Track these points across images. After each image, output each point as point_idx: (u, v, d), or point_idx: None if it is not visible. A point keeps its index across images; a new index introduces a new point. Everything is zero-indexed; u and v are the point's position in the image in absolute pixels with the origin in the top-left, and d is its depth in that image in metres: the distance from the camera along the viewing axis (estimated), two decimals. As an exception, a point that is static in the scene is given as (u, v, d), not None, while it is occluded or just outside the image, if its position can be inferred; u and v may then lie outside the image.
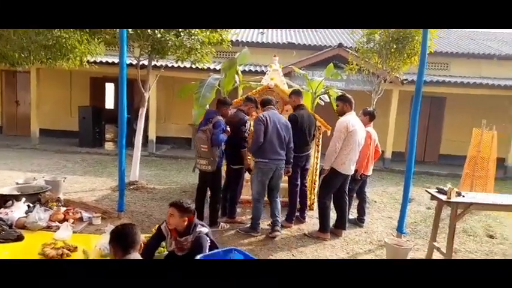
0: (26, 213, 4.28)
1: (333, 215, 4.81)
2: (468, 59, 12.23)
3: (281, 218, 4.77)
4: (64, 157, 9.17)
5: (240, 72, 7.09)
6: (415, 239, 4.89)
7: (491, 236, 5.14)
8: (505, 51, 12.50)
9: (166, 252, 3.49)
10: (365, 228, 5.16)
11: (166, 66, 7.82)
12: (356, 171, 4.84)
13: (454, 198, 3.83)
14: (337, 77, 6.86)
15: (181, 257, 3.17)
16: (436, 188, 4.14)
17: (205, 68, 8.12)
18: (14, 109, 12.05)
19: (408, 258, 4.13)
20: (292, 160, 4.72)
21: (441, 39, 13.34)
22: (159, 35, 5.81)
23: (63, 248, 3.68)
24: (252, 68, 10.40)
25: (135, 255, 2.27)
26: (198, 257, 2.81)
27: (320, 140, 5.61)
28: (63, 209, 4.57)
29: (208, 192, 4.83)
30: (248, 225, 4.70)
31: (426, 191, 4.32)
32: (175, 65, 7.60)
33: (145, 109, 6.61)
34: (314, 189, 5.69)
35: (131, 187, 6.24)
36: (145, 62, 6.71)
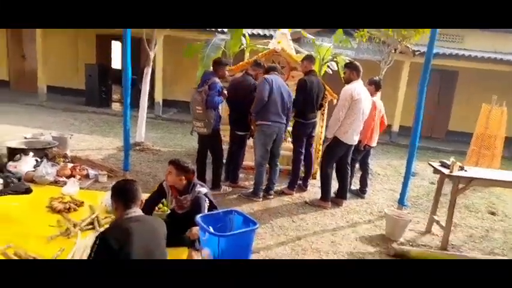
0: (34, 167, 4.37)
1: (335, 184, 4.87)
2: (483, 32, 11.77)
3: (278, 185, 4.87)
4: (71, 115, 9.22)
5: (247, 35, 6.94)
6: (415, 212, 4.95)
7: (492, 213, 5.18)
8: (525, 26, 12.02)
9: (168, 211, 3.59)
10: (366, 199, 5.21)
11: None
12: (360, 141, 4.83)
13: (456, 172, 3.83)
14: (346, 44, 6.67)
15: (181, 215, 3.27)
16: (439, 161, 4.14)
17: (213, 29, 7.89)
18: (20, 64, 11.96)
19: (407, 230, 4.21)
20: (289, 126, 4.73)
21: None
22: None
23: (70, 202, 3.79)
24: (261, 32, 10.12)
25: (137, 211, 2.31)
26: (197, 216, 2.87)
27: (326, 109, 5.56)
28: (70, 165, 4.65)
29: (210, 156, 4.85)
30: (250, 190, 4.77)
31: (429, 163, 4.31)
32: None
33: (150, 69, 6.52)
34: (318, 158, 5.70)
35: (137, 148, 6.30)
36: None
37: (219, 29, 8.48)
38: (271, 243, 3.63)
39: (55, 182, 4.28)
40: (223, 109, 5.22)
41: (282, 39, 6.05)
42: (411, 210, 4.97)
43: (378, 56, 8.36)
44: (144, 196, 3.86)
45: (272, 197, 4.80)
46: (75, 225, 3.35)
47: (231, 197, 4.70)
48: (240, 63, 5.70)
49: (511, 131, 7.41)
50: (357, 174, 5.48)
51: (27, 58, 11.85)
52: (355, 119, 4.42)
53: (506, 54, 10.86)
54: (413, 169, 7.07)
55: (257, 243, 3.58)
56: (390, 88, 9.65)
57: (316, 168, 5.74)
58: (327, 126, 4.90)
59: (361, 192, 5.29)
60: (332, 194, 4.84)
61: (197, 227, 2.95)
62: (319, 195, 4.82)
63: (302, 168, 5.20)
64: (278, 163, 4.91)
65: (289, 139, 5.51)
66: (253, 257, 3.23)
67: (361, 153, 5.15)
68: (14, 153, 4.55)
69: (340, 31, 6.37)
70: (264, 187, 4.79)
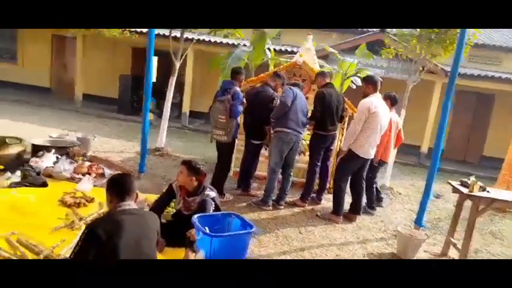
0: (54, 163, 4.57)
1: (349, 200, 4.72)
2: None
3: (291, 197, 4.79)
4: (102, 121, 9.63)
5: (272, 49, 7.01)
6: (434, 234, 4.67)
7: (519, 241, 4.80)
8: None
9: (174, 211, 3.60)
10: (382, 217, 5.00)
11: (198, 39, 7.87)
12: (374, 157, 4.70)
13: (476, 192, 3.60)
14: (369, 58, 6.57)
15: (186, 216, 3.26)
16: (460, 180, 3.91)
17: (237, 43, 8.10)
18: (62, 73, 12.72)
19: (422, 251, 3.98)
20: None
21: (494, 31, 12.32)
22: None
23: (81, 198, 3.91)
24: (289, 48, 10.21)
25: (131, 204, 2.32)
26: (195, 216, 2.86)
27: (346, 123, 5.45)
28: (87, 163, 4.82)
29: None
30: (260, 198, 4.72)
31: (448, 182, 4.09)
32: (207, 39, 7.62)
33: (175, 78, 6.72)
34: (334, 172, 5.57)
35: (156, 153, 6.45)
36: (178, 34, 6.78)
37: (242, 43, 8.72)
38: (272, 251, 3.54)
39: (71, 179, 4.44)
40: (239, 117, 5.25)
41: (305, 53, 6.08)
42: (429, 232, 4.69)
43: (406, 74, 8.16)
44: (155, 197, 3.96)
45: (282, 207, 4.72)
46: (81, 219, 3.44)
47: (241, 205, 4.66)
48: (261, 74, 5.75)
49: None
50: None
51: (68, 68, 12.61)
52: (372, 133, 4.30)
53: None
54: (439, 191, 6.78)
55: (259, 250, 3.51)
56: (419, 108, 9.36)
57: (332, 182, 5.59)
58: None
59: (369, 208, 5.06)
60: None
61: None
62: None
63: (317, 181, 5.10)
64: (291, 173, 4.84)
65: (308, 153, 5.44)
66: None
67: (377, 169, 4.99)
68: (37, 150, 4.79)
69: (363, 46, 6.30)
70: (275, 197, 4.72)
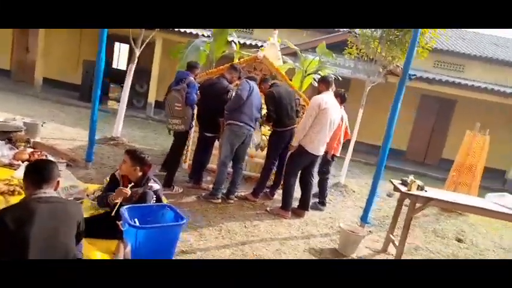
0: (-7, 148, 4.34)
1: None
2: (485, 63, 11.67)
3: (243, 191, 4.76)
4: (61, 107, 9.29)
5: (237, 43, 6.95)
6: (379, 231, 4.78)
7: (459, 240, 4.97)
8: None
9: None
10: (331, 214, 5.07)
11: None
12: (326, 152, 4.78)
13: (414, 191, 3.69)
14: (329, 56, 6.63)
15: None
16: (401, 179, 4.01)
17: (201, 34, 7.98)
18: (23, 56, 12.18)
19: (363, 247, 4.06)
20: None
21: (459, 38, 12.75)
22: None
23: (16, 185, 3.72)
24: (259, 43, 10.18)
25: (49, 192, 2.22)
26: (124, 207, 2.78)
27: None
28: (29, 150, 4.61)
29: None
30: (210, 191, 4.67)
31: (390, 181, 4.18)
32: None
33: (134, 66, 6.54)
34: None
35: (111, 142, 6.28)
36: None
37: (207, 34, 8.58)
38: (212, 245, 3.50)
39: (10, 165, 4.23)
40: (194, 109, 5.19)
41: (269, 48, 6.06)
42: (375, 229, 4.81)
43: (372, 76, 8.28)
44: (96, 187, 3.83)
45: (232, 201, 4.69)
46: (10, 206, 3.27)
47: (190, 198, 4.60)
48: (220, 67, 5.68)
49: (490, 161, 7.21)
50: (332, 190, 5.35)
51: (30, 51, 12.07)
52: (321, 128, 4.35)
53: (507, 87, 10.71)
54: (392, 190, 6.94)
55: (198, 243, 3.47)
56: (379, 109, 9.50)
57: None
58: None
59: (320, 205, 5.13)
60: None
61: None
62: (284, 206, 4.69)
63: (272, 176, 5.12)
64: (242, 167, 4.83)
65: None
66: (178, 256, 3.11)
67: (331, 164, 5.11)
68: (-23, 134, 4.54)
69: (323, 44, 6.35)
70: (225, 191, 4.69)
